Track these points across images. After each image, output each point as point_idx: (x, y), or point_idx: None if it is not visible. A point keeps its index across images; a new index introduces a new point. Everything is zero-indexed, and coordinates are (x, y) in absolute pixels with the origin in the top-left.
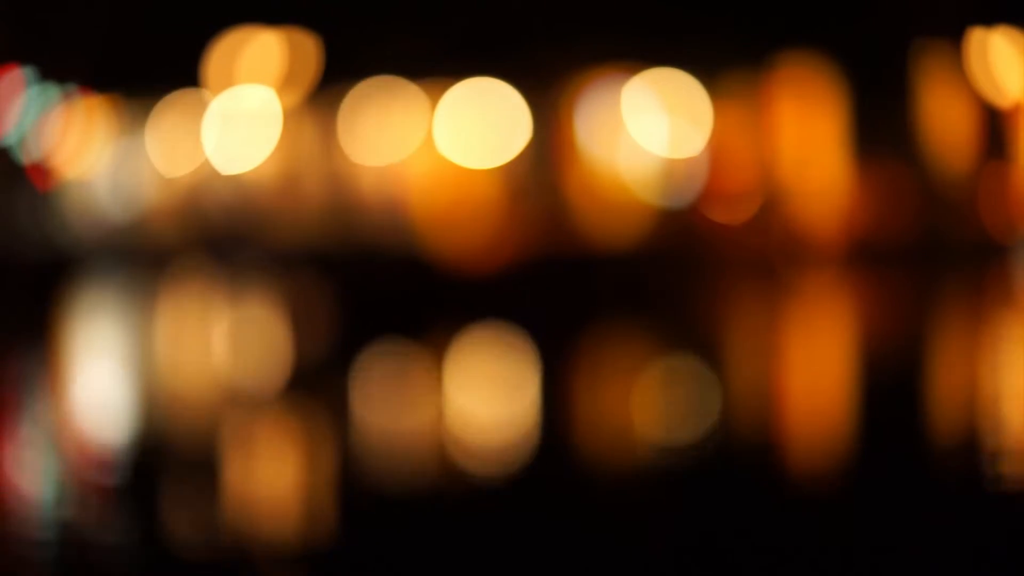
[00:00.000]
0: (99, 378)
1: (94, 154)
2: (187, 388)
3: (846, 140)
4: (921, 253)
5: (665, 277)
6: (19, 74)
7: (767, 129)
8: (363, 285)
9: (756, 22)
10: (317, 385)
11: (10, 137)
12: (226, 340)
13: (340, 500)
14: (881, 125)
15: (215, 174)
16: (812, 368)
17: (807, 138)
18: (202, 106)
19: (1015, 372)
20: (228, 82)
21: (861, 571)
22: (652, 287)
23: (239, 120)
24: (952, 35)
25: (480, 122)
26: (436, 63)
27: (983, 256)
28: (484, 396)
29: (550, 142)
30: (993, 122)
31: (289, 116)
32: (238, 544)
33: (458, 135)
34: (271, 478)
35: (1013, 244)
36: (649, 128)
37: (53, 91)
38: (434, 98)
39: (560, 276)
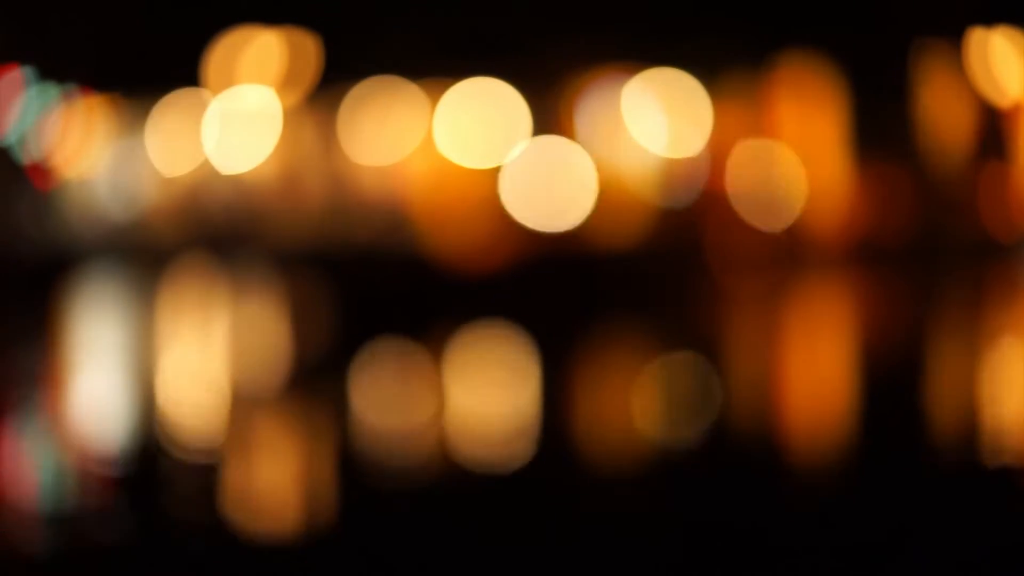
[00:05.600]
0: (99, 378)
1: (94, 154)
2: (187, 387)
3: (846, 140)
4: (921, 253)
5: (665, 277)
6: (19, 74)
7: (767, 129)
8: (363, 285)
9: (756, 22)
10: (317, 384)
11: (10, 137)
12: (226, 340)
13: (340, 499)
14: (881, 125)
15: (215, 174)
16: (812, 367)
17: (807, 138)
18: (202, 106)
19: (1015, 371)
20: (228, 82)
21: (861, 566)
22: (652, 287)
23: (239, 120)
24: (952, 35)
25: (480, 122)
26: (436, 63)
27: (983, 256)
28: (484, 396)
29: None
30: (993, 122)
31: (289, 116)
32: (238, 541)
33: (458, 135)
34: (271, 476)
35: (1013, 244)
36: (649, 128)
37: (53, 91)
38: (434, 98)
39: (560, 276)
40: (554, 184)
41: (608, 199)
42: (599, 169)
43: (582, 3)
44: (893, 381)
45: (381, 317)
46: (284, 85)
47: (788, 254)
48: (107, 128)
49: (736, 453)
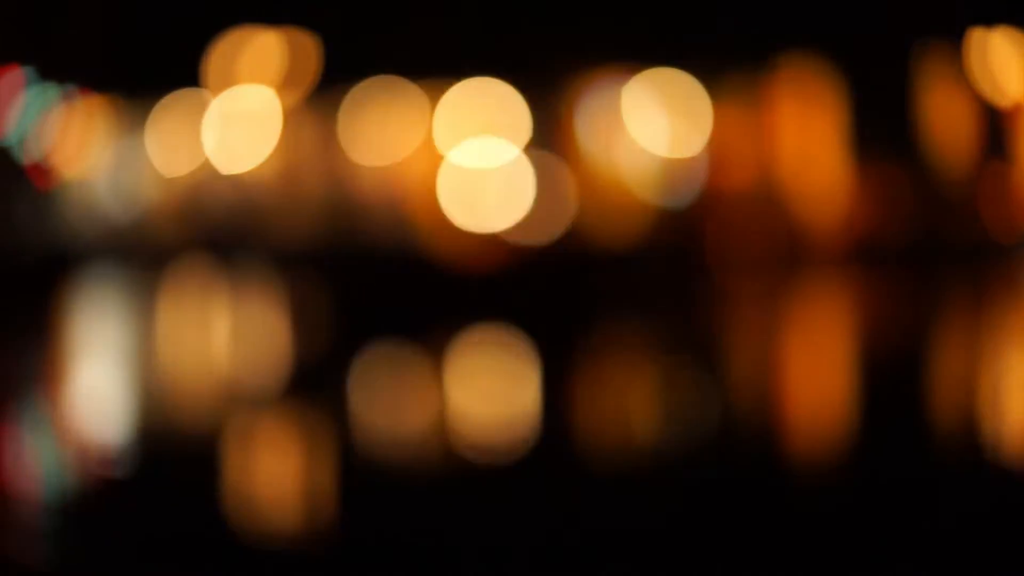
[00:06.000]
0: (99, 378)
1: (94, 154)
2: (187, 387)
3: (846, 140)
4: (921, 253)
5: (665, 277)
6: (19, 74)
7: (767, 129)
8: (363, 285)
9: (756, 22)
10: (317, 385)
11: (10, 137)
12: (226, 340)
13: (340, 499)
14: (881, 125)
15: (215, 174)
16: (812, 367)
17: (807, 138)
18: (202, 106)
19: (1015, 371)
20: (228, 82)
21: (862, 566)
22: (652, 287)
23: (239, 120)
24: (952, 35)
25: (480, 122)
26: (436, 63)
27: (983, 256)
28: (484, 396)
29: (550, 142)
30: (993, 122)
31: (289, 116)
32: (239, 542)
33: (458, 135)
34: (271, 477)
35: (1013, 244)
36: (649, 128)
37: (53, 91)
38: (434, 98)
39: (560, 276)
40: (491, 185)
41: (608, 199)
42: (599, 169)
43: (582, 3)
44: (893, 381)
45: (381, 317)
46: (284, 85)
47: (788, 254)
48: (107, 128)
49: (736, 453)
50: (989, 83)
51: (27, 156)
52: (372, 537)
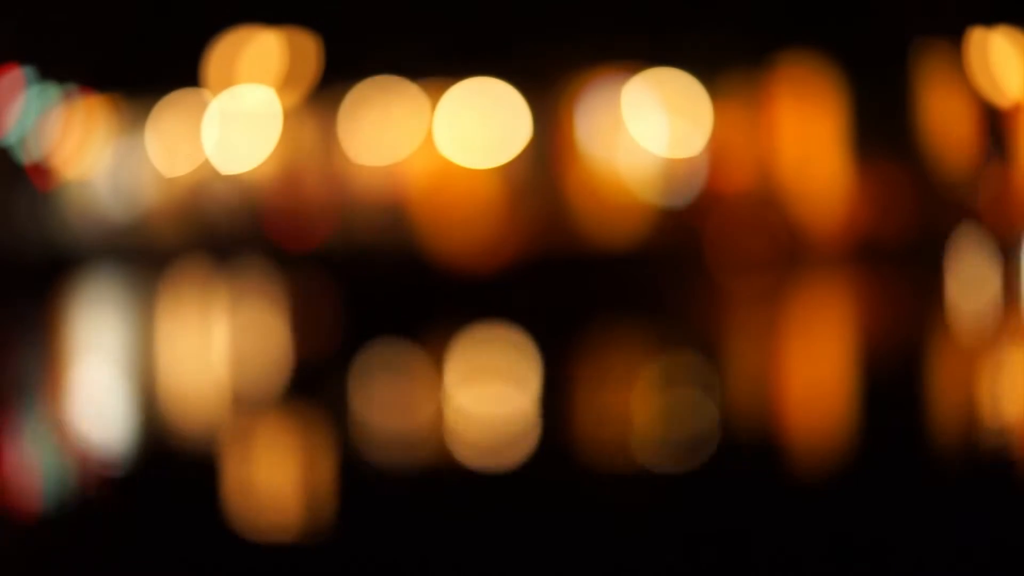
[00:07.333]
0: (99, 378)
1: (94, 154)
2: (187, 388)
3: (846, 140)
4: (921, 253)
5: (665, 277)
6: (19, 74)
7: (767, 129)
8: (363, 285)
9: (756, 22)
10: (317, 385)
11: (10, 137)
12: (226, 340)
13: (340, 499)
14: (881, 125)
15: (215, 174)
16: (812, 367)
17: (807, 138)
18: (202, 106)
19: (1014, 371)
20: (228, 82)
21: (861, 567)
22: (652, 287)
23: (239, 120)
24: (952, 35)
25: (480, 122)
26: (436, 63)
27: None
28: (484, 396)
29: (550, 142)
30: (993, 122)
31: (289, 116)
32: (239, 541)
33: (458, 135)
34: (271, 477)
35: (1013, 244)
36: (649, 128)
37: (53, 91)
38: (434, 98)
39: (560, 276)
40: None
41: (608, 199)
42: (599, 169)
43: (582, 3)
44: (893, 381)
45: (381, 317)
46: (284, 85)
47: (788, 254)
48: (107, 128)
49: (736, 453)
50: (989, 83)
51: (27, 156)
52: (371, 538)
